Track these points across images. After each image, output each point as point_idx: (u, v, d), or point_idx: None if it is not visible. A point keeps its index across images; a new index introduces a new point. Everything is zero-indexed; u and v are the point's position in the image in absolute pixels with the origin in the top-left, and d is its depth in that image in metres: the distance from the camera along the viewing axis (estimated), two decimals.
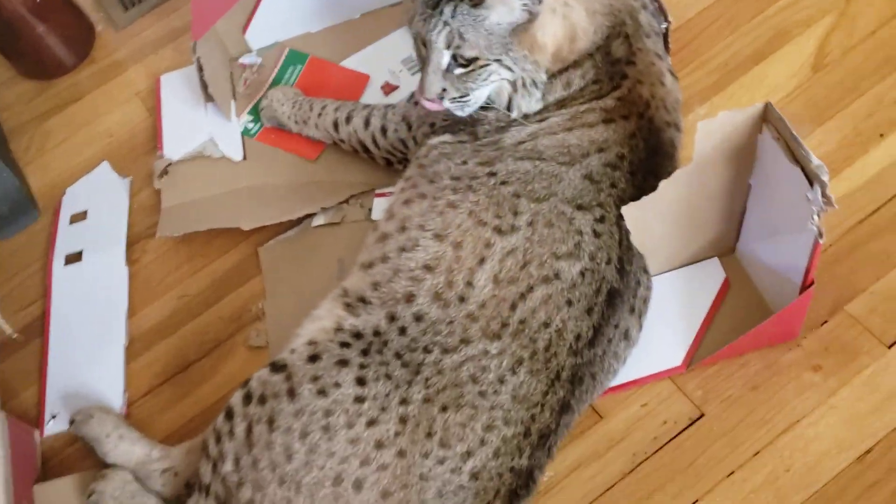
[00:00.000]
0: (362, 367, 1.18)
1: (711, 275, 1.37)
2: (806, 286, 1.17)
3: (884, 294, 1.31)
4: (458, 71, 1.26)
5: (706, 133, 1.13)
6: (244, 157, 1.70)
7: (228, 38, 1.83)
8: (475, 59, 1.24)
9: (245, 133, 1.73)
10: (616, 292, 1.21)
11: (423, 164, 1.35)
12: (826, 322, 1.30)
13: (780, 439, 1.23)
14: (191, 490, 1.28)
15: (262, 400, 1.19)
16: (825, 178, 1.03)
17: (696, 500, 1.22)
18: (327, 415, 1.14)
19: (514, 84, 1.27)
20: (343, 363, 1.18)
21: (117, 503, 1.32)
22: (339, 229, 1.58)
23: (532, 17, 1.23)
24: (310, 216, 1.60)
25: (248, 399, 1.20)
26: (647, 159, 1.26)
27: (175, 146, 1.74)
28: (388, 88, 1.72)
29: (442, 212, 1.25)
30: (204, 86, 1.74)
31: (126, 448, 1.38)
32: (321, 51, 1.81)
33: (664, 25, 1.39)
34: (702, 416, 1.28)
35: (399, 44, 1.77)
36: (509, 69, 1.25)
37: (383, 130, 1.52)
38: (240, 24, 1.83)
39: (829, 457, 1.21)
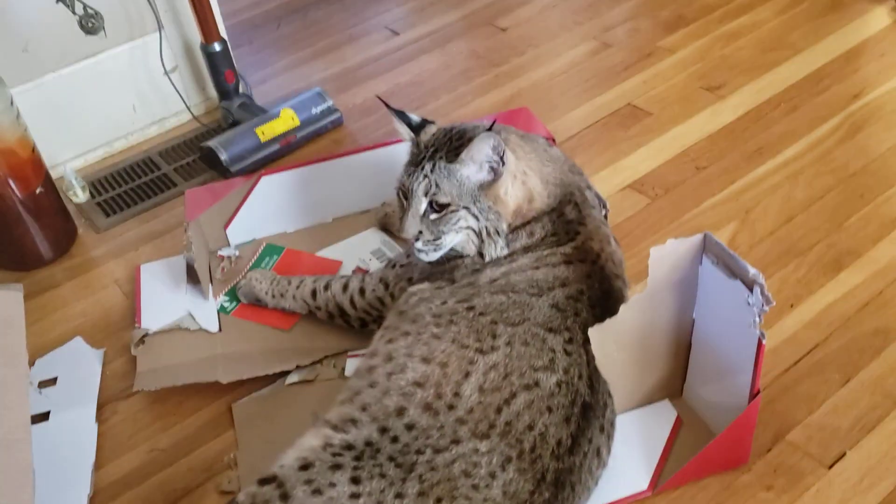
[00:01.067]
0: (356, 469, 1.22)
1: (664, 413, 1.51)
2: (753, 394, 1.33)
3: (816, 426, 1.47)
4: (433, 216, 1.48)
5: (657, 259, 1.34)
6: (220, 330, 1.80)
7: (210, 234, 2.01)
8: (447, 205, 1.47)
9: (221, 310, 1.85)
10: (589, 406, 1.33)
11: (402, 310, 1.49)
12: (771, 449, 1.44)
13: None
14: None
15: None
16: (762, 281, 1.24)
17: None
18: None
19: (479, 234, 1.49)
20: (337, 467, 1.23)
21: None
22: (312, 387, 1.66)
23: (496, 176, 1.47)
24: (283, 375, 1.68)
25: None
26: (602, 299, 1.45)
27: (152, 320, 1.83)
28: (360, 272, 1.90)
29: (427, 342, 1.38)
30: (189, 266, 1.88)
31: None
32: (296, 245, 2.00)
33: (604, 212, 1.66)
34: None
35: (369, 239, 1.99)
36: (475, 217, 1.48)
37: (361, 291, 1.68)
38: (222, 222, 2.02)
39: None
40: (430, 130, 1.57)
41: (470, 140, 1.45)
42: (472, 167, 1.46)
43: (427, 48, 2.70)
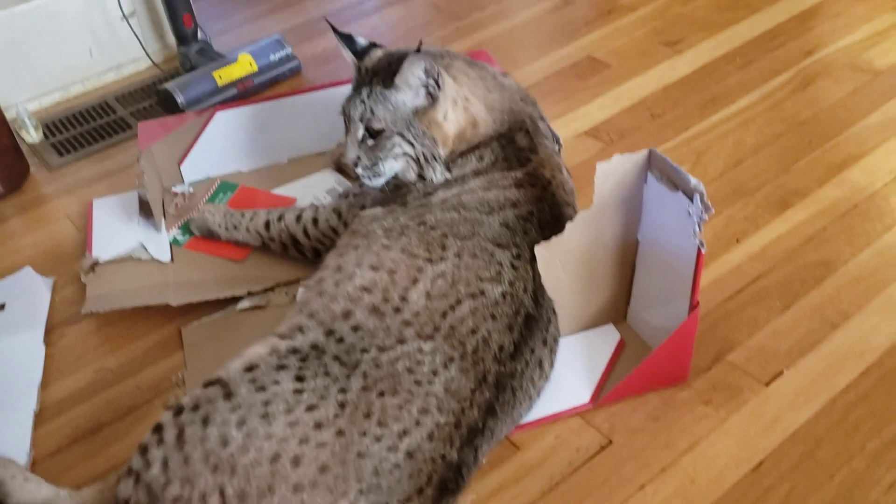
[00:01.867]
0: (301, 368, 1.23)
1: (608, 336, 1.53)
2: (692, 307, 1.35)
3: (756, 347, 1.50)
4: (370, 142, 1.51)
5: (604, 174, 1.36)
6: (172, 261, 1.80)
7: (164, 169, 2.00)
8: (382, 131, 1.50)
9: (174, 243, 1.84)
10: (532, 318, 1.35)
11: (355, 230, 1.49)
12: (711, 368, 1.47)
13: (684, 458, 1.33)
14: None
15: (196, 407, 1.21)
16: (702, 189, 1.26)
17: None
18: (266, 405, 1.18)
19: (416, 160, 1.51)
20: (282, 367, 1.24)
21: None
22: (264, 313, 1.66)
23: (433, 101, 1.49)
24: (235, 302, 1.68)
25: (179, 412, 1.22)
26: (551, 223, 1.47)
27: (104, 250, 1.82)
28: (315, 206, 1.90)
29: (377, 253, 1.39)
30: (142, 200, 1.88)
31: (32, 488, 1.32)
32: (251, 185, 2.00)
33: (557, 147, 1.68)
34: (610, 443, 1.37)
35: (324, 179, 1.99)
36: (410, 143, 1.50)
37: (314, 221, 1.69)
38: (176, 158, 2.01)
39: (728, 469, 1.31)
40: (375, 55, 1.58)
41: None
42: (407, 92, 1.48)
43: (389, 1, 2.71)
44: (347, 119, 1.54)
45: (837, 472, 1.29)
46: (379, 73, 1.52)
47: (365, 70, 1.55)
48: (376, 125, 1.50)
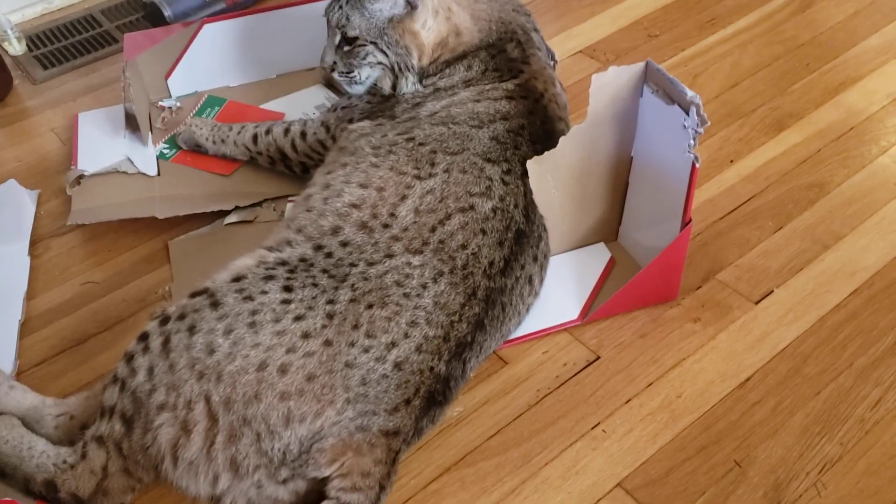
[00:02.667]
0: (289, 279, 1.22)
1: (599, 254, 1.53)
2: (685, 223, 1.34)
3: (746, 266, 1.50)
4: (346, 48, 1.50)
5: (599, 87, 1.33)
6: (159, 174, 1.77)
7: (151, 84, 1.96)
8: (356, 38, 1.48)
9: (161, 156, 1.81)
10: (523, 234, 1.34)
11: (343, 146, 1.47)
12: (700, 287, 1.47)
13: (671, 373, 1.34)
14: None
15: (182, 316, 1.20)
16: (699, 101, 1.24)
17: (598, 423, 1.28)
18: (253, 314, 1.17)
19: (392, 69, 1.49)
20: (269, 278, 1.22)
21: (2, 441, 1.24)
22: (251, 227, 1.65)
23: (412, 9, 1.46)
24: (222, 216, 1.66)
25: (165, 321, 1.21)
26: (543, 137, 1.44)
27: (89, 163, 1.79)
28: (303, 120, 1.87)
29: (365, 170, 1.36)
30: (128, 113, 1.84)
31: (17, 396, 1.32)
32: (239, 99, 1.96)
33: (551, 62, 1.64)
34: (598, 358, 1.37)
35: (314, 94, 1.95)
36: (384, 53, 1.48)
37: (303, 135, 1.65)
38: (163, 72, 1.97)
39: (714, 384, 1.32)
40: None
41: None
42: (386, 2, 1.46)
43: None
44: (328, 24, 1.53)
45: (824, 388, 1.30)
46: None
47: None
48: (350, 32, 1.49)
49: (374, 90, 1.55)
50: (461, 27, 1.49)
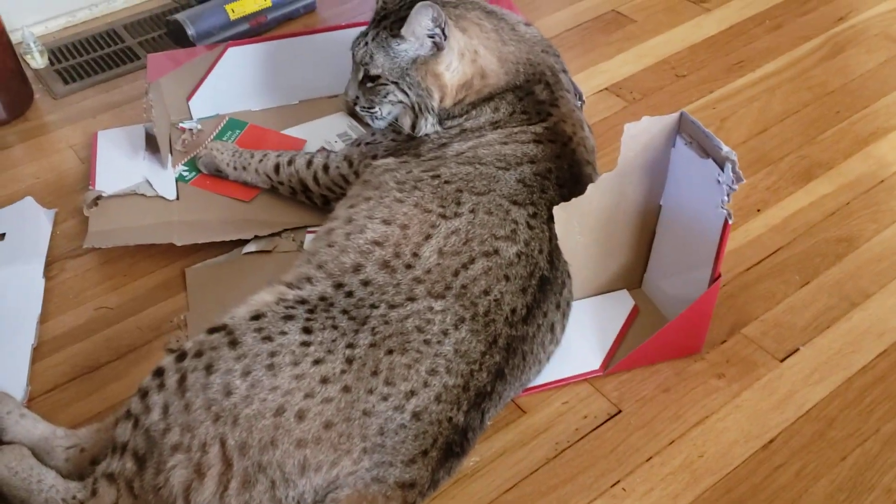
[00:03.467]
0: (308, 320, 1.20)
1: (622, 302, 1.50)
2: (714, 279, 1.31)
3: (772, 322, 1.47)
4: (368, 84, 1.51)
5: (631, 136, 1.31)
6: (177, 198, 1.75)
7: (172, 105, 1.94)
8: (378, 76, 1.49)
9: (180, 179, 1.79)
10: (547, 281, 1.31)
11: (367, 180, 1.45)
12: (725, 341, 1.44)
13: (693, 431, 1.31)
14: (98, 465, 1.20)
15: (199, 354, 1.18)
16: (734, 157, 1.21)
17: (618, 482, 1.25)
18: (272, 356, 1.14)
19: (413, 108, 1.49)
20: (289, 318, 1.20)
21: (12, 473, 1.22)
22: (269, 257, 1.63)
23: (438, 51, 1.45)
24: (240, 245, 1.64)
25: (181, 357, 1.19)
26: (570, 181, 1.42)
27: (108, 184, 1.77)
28: (326, 152, 1.85)
29: (389, 206, 1.34)
30: (148, 134, 1.82)
31: (28, 425, 1.30)
32: (260, 123, 1.94)
33: (579, 103, 1.62)
34: (619, 412, 1.34)
35: (336, 122, 1.94)
36: (405, 93, 1.49)
37: (325, 168, 1.63)
38: (184, 93, 1.95)
39: (737, 445, 1.29)
40: None
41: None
42: (412, 42, 1.46)
43: None
44: (353, 58, 1.54)
45: (850, 453, 1.27)
46: (390, 15, 1.49)
47: (382, 7, 1.51)
48: (373, 71, 1.50)
49: (397, 127, 1.54)
50: (487, 69, 1.48)
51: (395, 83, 1.49)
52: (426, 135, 1.50)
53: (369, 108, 1.54)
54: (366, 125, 1.89)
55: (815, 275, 1.55)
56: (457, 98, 1.48)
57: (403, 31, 1.45)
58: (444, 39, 1.45)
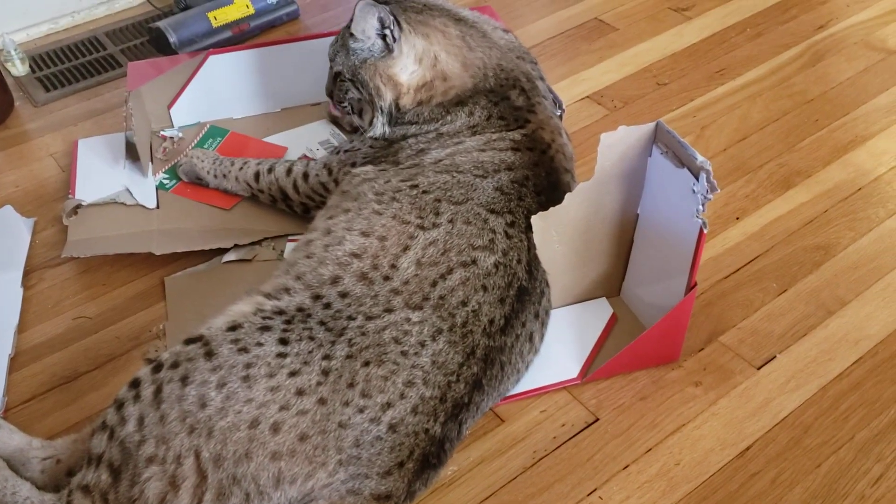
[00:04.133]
0: (285, 331, 1.20)
1: (600, 310, 1.50)
2: (690, 287, 1.32)
3: (750, 329, 1.47)
4: (337, 81, 1.59)
5: (607, 146, 1.31)
6: (157, 206, 1.75)
7: (153, 112, 1.94)
8: (340, 73, 1.57)
9: (160, 187, 1.79)
10: (525, 291, 1.32)
11: (345, 190, 1.45)
12: (703, 349, 1.45)
13: (670, 439, 1.32)
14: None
15: (175, 365, 1.17)
16: (709, 167, 1.22)
17: (595, 490, 1.26)
18: (248, 367, 1.14)
19: (371, 106, 1.54)
20: (265, 329, 1.20)
21: None
22: (249, 266, 1.62)
23: (388, 52, 1.49)
24: (220, 253, 1.64)
25: (157, 369, 1.18)
26: (548, 189, 1.42)
27: (88, 193, 1.77)
28: (306, 159, 1.85)
29: (367, 217, 1.34)
30: (128, 142, 1.82)
31: (3, 436, 1.29)
32: (242, 131, 1.94)
33: (558, 112, 1.63)
34: (597, 420, 1.35)
35: (318, 130, 1.94)
36: (357, 90, 1.55)
37: (305, 176, 1.63)
38: (166, 101, 1.95)
39: (714, 453, 1.30)
40: None
41: None
42: (364, 42, 1.51)
43: None
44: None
45: (825, 461, 1.28)
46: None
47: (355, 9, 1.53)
48: (336, 68, 1.58)
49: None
50: (448, 73, 1.50)
51: (351, 80, 1.56)
52: (405, 140, 1.50)
53: (339, 102, 1.61)
54: (347, 133, 1.90)
55: (792, 283, 1.55)
56: (417, 98, 1.50)
57: (353, 29, 1.50)
58: (395, 41, 1.48)
